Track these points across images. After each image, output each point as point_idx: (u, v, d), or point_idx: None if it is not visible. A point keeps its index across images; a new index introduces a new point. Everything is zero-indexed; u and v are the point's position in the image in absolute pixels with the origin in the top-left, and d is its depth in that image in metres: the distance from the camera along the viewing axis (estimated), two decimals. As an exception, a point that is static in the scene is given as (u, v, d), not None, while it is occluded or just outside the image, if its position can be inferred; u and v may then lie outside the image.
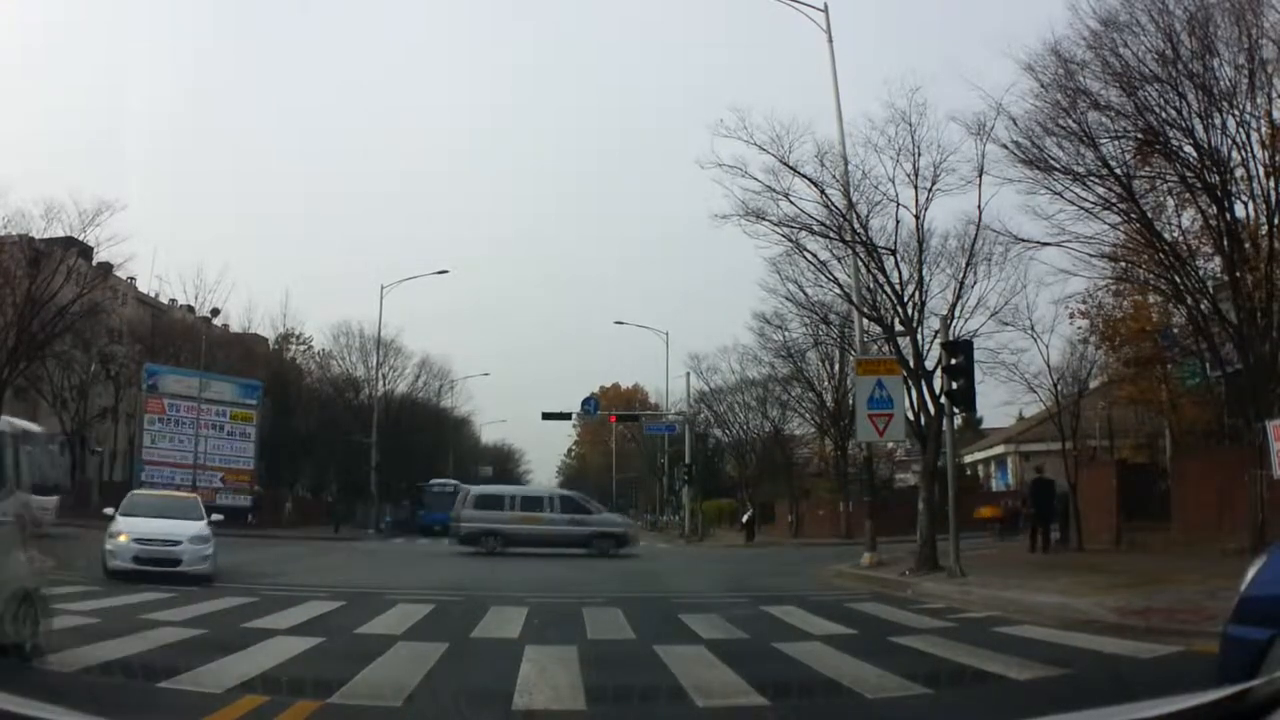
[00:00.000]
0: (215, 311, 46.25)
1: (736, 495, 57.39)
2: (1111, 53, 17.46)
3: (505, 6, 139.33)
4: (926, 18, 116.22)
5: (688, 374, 52.41)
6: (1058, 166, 18.08)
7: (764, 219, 19.58)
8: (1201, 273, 19.11)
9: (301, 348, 57.21)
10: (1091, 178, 18.09)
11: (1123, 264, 21.02)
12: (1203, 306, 18.48)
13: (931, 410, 18.65)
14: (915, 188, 18.87)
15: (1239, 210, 17.85)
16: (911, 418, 19.45)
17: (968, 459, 47.35)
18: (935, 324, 18.73)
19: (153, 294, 50.47)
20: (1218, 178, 17.26)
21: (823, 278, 22.98)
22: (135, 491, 22.20)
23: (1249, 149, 17.10)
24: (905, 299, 19.33)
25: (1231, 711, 2.21)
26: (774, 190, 19.28)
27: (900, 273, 19.46)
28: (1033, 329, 23.39)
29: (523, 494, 32.03)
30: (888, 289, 19.52)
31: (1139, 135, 17.97)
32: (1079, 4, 17.28)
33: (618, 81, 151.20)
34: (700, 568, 24.19)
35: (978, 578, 15.10)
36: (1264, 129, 16.87)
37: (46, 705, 3.29)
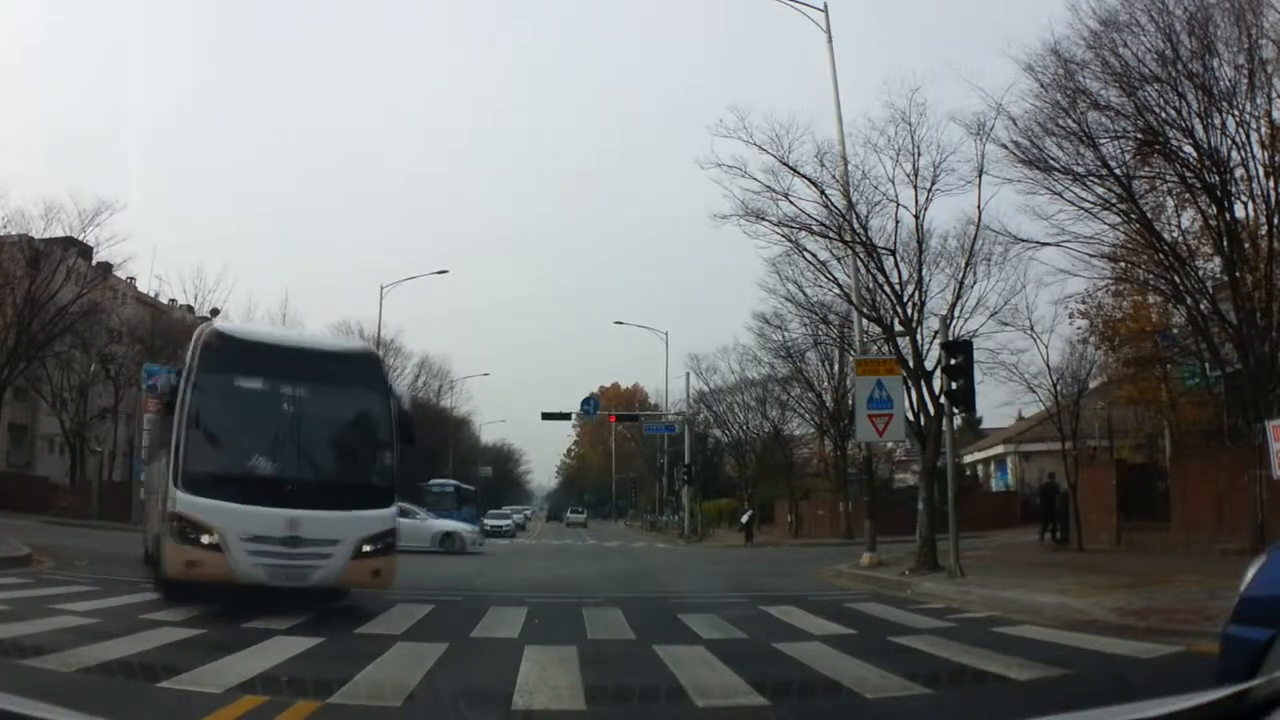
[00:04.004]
0: (215, 311, 46.14)
1: (736, 495, 57.35)
2: (1111, 53, 17.46)
3: (505, 6, 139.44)
4: (926, 18, 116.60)
5: (687, 374, 52.50)
6: (1057, 166, 18.09)
7: (764, 219, 19.62)
8: (1201, 273, 19.11)
9: (302, 348, 57.06)
10: (1091, 178, 18.09)
11: (1122, 264, 21.03)
12: (1202, 306, 18.47)
13: (931, 410, 18.64)
14: (915, 188, 18.92)
15: (1239, 210, 17.88)
16: (911, 418, 19.45)
17: (967, 459, 47.35)
18: (935, 324, 18.77)
19: (152, 294, 50.41)
20: (1218, 178, 17.25)
21: (822, 278, 23.08)
22: None
23: (1249, 149, 17.12)
24: (905, 299, 19.33)
25: (1231, 711, 2.20)
26: (774, 190, 19.32)
27: (900, 273, 19.52)
28: (1032, 329, 23.47)
29: None
30: (887, 289, 19.53)
31: (1139, 135, 17.95)
32: (1079, 4, 17.30)
33: (618, 81, 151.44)
34: (700, 568, 24.16)
35: (977, 578, 15.10)
36: (1264, 129, 16.86)
37: (46, 705, 3.27)
